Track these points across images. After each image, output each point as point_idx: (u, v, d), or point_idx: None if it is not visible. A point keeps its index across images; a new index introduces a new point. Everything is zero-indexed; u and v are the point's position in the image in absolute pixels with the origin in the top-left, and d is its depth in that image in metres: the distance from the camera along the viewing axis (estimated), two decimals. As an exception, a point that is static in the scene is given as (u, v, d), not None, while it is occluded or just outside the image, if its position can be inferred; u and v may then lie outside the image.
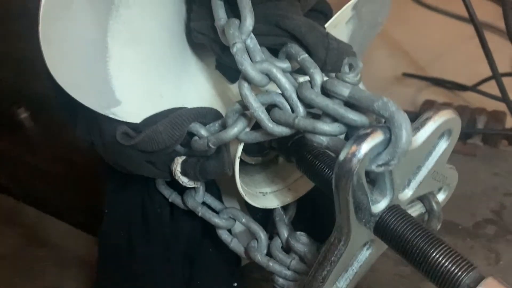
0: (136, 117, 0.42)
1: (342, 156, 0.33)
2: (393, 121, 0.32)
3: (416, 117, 0.94)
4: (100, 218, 0.63)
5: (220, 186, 0.52)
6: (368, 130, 0.32)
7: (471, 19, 0.75)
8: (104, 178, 0.56)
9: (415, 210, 0.43)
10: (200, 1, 0.42)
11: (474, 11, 0.76)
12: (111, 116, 0.40)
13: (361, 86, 0.48)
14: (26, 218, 1.05)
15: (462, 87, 0.96)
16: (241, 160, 0.49)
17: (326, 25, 0.50)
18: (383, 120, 0.34)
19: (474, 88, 0.93)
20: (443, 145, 0.38)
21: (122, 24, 0.39)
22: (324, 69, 0.42)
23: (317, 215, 0.52)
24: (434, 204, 0.43)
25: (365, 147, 0.32)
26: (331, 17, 0.51)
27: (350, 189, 0.33)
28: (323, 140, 0.36)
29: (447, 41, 1.12)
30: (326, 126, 0.35)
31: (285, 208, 0.50)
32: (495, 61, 0.76)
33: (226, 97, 0.47)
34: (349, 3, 0.52)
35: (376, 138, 0.32)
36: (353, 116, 0.35)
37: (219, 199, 0.51)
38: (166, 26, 0.44)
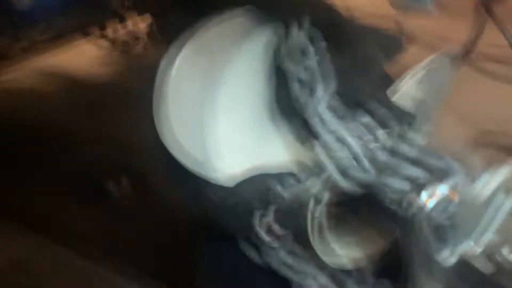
0: (232, 182, 0.48)
1: (410, 211, 0.37)
2: (457, 178, 0.35)
3: None
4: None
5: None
6: (435, 186, 0.36)
7: None
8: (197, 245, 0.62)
9: (485, 266, 0.44)
10: (284, 77, 0.50)
11: None
12: (212, 182, 0.47)
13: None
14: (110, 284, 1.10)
15: None
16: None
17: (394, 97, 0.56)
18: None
19: None
20: (509, 203, 0.40)
21: (229, 96, 0.47)
22: (393, 135, 0.46)
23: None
24: (503, 261, 0.43)
25: (432, 202, 0.36)
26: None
27: (418, 241, 0.37)
28: (392, 197, 0.40)
29: None
30: (396, 183, 0.39)
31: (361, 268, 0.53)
32: None
33: (304, 160, 0.52)
34: (414, 78, 0.57)
35: (441, 194, 0.36)
36: (419, 174, 0.39)
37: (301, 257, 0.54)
38: (258, 99, 0.51)
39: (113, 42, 2.19)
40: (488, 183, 0.38)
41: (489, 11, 0.83)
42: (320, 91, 0.44)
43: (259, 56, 0.50)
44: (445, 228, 0.39)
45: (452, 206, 0.36)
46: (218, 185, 0.47)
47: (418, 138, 0.40)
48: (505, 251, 0.45)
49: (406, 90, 0.58)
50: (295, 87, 0.47)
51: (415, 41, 1.60)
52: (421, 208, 0.36)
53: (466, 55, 0.99)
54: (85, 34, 1.69)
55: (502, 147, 0.99)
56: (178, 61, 0.42)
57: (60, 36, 1.58)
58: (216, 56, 0.46)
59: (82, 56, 2.35)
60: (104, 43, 2.21)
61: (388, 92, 0.56)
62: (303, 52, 0.48)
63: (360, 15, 0.58)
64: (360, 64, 0.51)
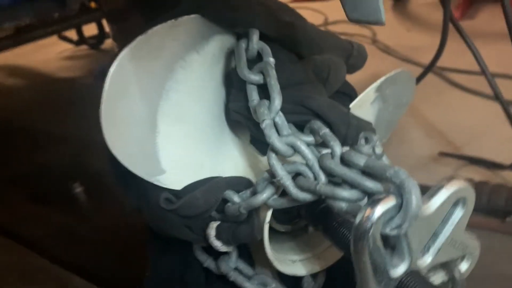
0: (178, 184, 0.47)
1: (358, 219, 0.36)
2: (404, 187, 0.35)
3: None
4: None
5: (253, 254, 0.55)
6: (382, 196, 0.36)
7: (497, 98, 0.79)
8: (147, 247, 0.61)
9: (438, 278, 0.44)
10: (237, 85, 0.49)
11: (500, 92, 0.80)
12: (156, 183, 0.45)
13: (384, 159, 0.52)
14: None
15: (500, 166, 0.97)
16: (271, 228, 0.53)
17: (350, 106, 0.56)
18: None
19: (511, 167, 0.94)
20: (458, 214, 0.41)
21: (171, 105, 0.46)
22: (344, 143, 0.46)
23: (347, 284, 0.53)
24: (456, 272, 0.44)
25: (379, 210, 0.35)
26: (355, 98, 0.57)
27: (367, 250, 0.36)
28: (343, 205, 0.39)
29: (484, 121, 1.14)
30: (345, 193, 0.39)
31: (314, 275, 0.53)
32: None
33: (258, 168, 0.52)
34: (372, 86, 0.57)
35: (388, 203, 0.36)
36: (369, 184, 0.38)
37: (251, 264, 0.54)
38: (208, 108, 0.50)
39: (81, 37, 2.16)
40: (439, 196, 0.38)
41: (455, 25, 0.85)
42: (277, 100, 0.44)
43: (209, 64, 0.49)
44: (398, 243, 0.38)
45: (401, 217, 0.35)
46: (164, 188, 0.46)
47: (374, 148, 0.40)
48: (461, 264, 0.46)
49: (364, 99, 0.58)
50: (253, 94, 0.46)
51: (389, 53, 1.63)
52: (369, 218, 0.35)
53: (431, 66, 1.01)
54: (53, 30, 1.65)
55: (467, 158, 1.01)
56: (118, 61, 0.40)
57: (25, 32, 1.54)
58: (161, 64, 0.45)
59: (48, 53, 2.31)
60: (71, 39, 2.18)
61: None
62: (259, 58, 0.48)
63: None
64: (319, 74, 0.50)
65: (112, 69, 0.41)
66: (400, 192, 0.36)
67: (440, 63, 1.28)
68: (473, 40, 0.89)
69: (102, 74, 0.42)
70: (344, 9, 0.37)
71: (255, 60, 0.49)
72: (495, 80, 0.85)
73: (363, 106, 0.59)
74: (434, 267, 0.43)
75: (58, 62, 2.23)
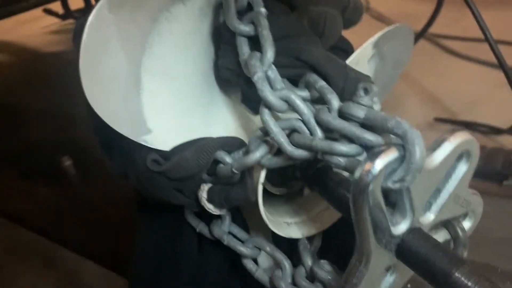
0: (166, 145, 0.44)
1: (357, 173, 0.34)
2: (406, 138, 0.33)
3: None
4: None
5: (246, 218, 0.53)
6: (383, 148, 0.34)
7: (501, 65, 0.76)
8: (135, 215, 0.59)
9: (440, 236, 0.42)
10: (227, 39, 0.46)
11: (504, 58, 0.78)
12: (142, 143, 0.43)
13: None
14: (64, 261, 1.09)
15: (496, 130, 0.95)
16: (266, 191, 0.51)
17: (347, 62, 0.53)
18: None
19: (509, 131, 0.92)
20: (462, 168, 0.38)
21: (155, 59, 0.43)
22: (342, 98, 0.43)
23: (343, 246, 0.52)
24: (459, 230, 0.42)
25: (380, 163, 0.33)
26: (352, 53, 0.54)
27: (367, 207, 0.34)
28: (341, 161, 0.37)
29: (479, 88, 1.13)
30: (343, 147, 0.37)
31: (310, 238, 0.51)
32: None
33: (250, 128, 0.49)
34: (370, 41, 0.54)
35: (390, 155, 0.33)
36: (369, 136, 0.36)
37: (245, 229, 0.52)
38: (196, 63, 0.47)
39: (66, 11, 2.09)
40: (442, 148, 0.36)
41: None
42: (270, 51, 0.41)
43: (196, 17, 0.46)
44: (399, 199, 0.36)
45: (404, 169, 0.33)
46: (151, 148, 0.43)
47: (367, 98, 0.37)
48: (464, 222, 0.44)
49: (361, 55, 0.55)
50: (244, 48, 0.43)
51: (383, 21, 1.60)
52: (369, 171, 0.33)
53: (424, 30, 0.98)
54: (36, 2, 1.60)
55: (463, 123, 0.99)
56: (96, 10, 0.37)
57: (7, 5, 1.49)
58: (144, 15, 0.41)
59: (32, 28, 2.24)
60: (56, 12, 2.11)
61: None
62: (249, 8, 0.45)
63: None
64: (314, 26, 0.47)
65: (90, 19, 0.38)
66: (402, 143, 0.33)
67: (435, 30, 1.26)
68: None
69: (81, 29, 0.39)
70: None
71: (245, 12, 0.45)
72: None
73: (360, 63, 0.56)
74: (436, 225, 0.42)
75: (43, 37, 2.17)
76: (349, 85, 0.43)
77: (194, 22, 0.47)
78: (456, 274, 0.34)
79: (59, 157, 1.23)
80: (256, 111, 0.49)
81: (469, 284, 0.33)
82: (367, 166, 0.33)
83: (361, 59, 0.55)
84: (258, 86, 0.39)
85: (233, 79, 0.47)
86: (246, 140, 0.47)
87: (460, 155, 0.38)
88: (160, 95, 0.44)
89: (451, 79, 1.18)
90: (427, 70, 1.22)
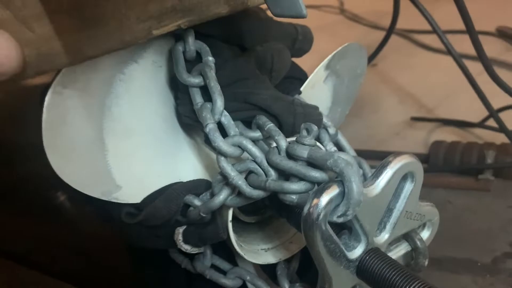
0: (137, 198, 0.48)
1: (305, 210, 0.37)
2: (343, 176, 0.36)
3: (427, 158, 0.96)
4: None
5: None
6: (325, 186, 0.37)
7: (450, 53, 0.79)
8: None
9: (401, 249, 0.45)
10: (183, 88, 0.49)
11: (453, 48, 0.80)
12: (114, 201, 0.46)
13: (340, 137, 0.52)
14: None
15: (470, 124, 0.97)
16: (240, 221, 0.54)
17: (301, 88, 0.56)
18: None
19: (481, 124, 0.94)
20: (409, 187, 0.41)
21: (115, 120, 0.46)
22: (294, 133, 0.47)
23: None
24: (417, 241, 0.45)
25: (323, 200, 0.36)
26: (306, 79, 0.57)
27: (318, 239, 0.37)
28: (293, 198, 0.40)
29: (454, 81, 1.14)
30: (293, 186, 0.40)
31: (289, 260, 0.54)
32: (498, 94, 0.78)
33: (216, 168, 0.52)
34: (320, 65, 0.57)
35: (332, 192, 0.36)
36: (314, 174, 0.39)
37: (229, 258, 0.55)
38: (157, 112, 0.50)
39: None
40: (383, 175, 0.39)
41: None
42: (219, 101, 0.44)
43: (151, 71, 0.49)
44: (349, 224, 0.39)
45: (345, 204, 0.36)
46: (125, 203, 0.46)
47: (309, 138, 0.40)
48: (419, 230, 0.47)
49: (314, 79, 0.58)
50: (196, 98, 0.46)
51: (358, 21, 1.61)
52: (315, 208, 0.36)
53: (391, 27, 1.00)
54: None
55: (439, 120, 1.01)
56: (52, 89, 0.40)
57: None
58: (98, 82, 0.44)
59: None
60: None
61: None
62: (198, 58, 0.48)
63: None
64: (263, 64, 0.50)
65: (47, 99, 0.41)
66: (341, 180, 0.36)
67: (406, 25, 1.27)
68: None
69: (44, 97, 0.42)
70: (268, 7, 0.37)
71: (196, 60, 0.48)
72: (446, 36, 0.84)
73: (316, 86, 0.59)
74: (396, 240, 0.45)
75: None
76: (298, 121, 0.46)
77: (149, 76, 0.50)
78: (410, 291, 0.37)
79: (53, 192, 1.24)
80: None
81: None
82: (314, 202, 0.36)
83: (316, 82, 0.58)
84: (210, 137, 0.42)
85: (193, 124, 0.50)
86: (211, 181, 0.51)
87: (404, 176, 0.41)
88: (125, 153, 0.47)
89: (426, 73, 1.19)
90: (403, 66, 1.24)
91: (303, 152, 0.39)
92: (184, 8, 0.40)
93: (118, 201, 0.46)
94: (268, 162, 0.42)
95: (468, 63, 0.88)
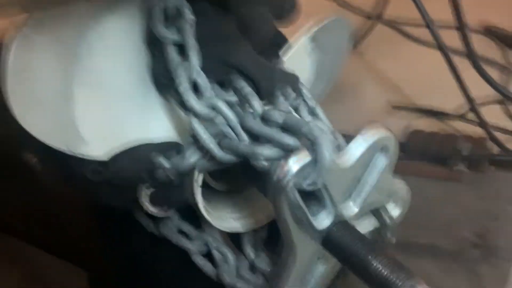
0: (104, 155, 0.46)
1: (274, 176, 0.36)
2: (316, 142, 0.35)
3: (404, 146, 0.96)
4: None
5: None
6: (296, 152, 0.36)
7: (439, 46, 0.78)
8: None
9: (369, 225, 0.45)
10: (159, 45, 0.47)
11: (442, 40, 0.79)
12: (79, 156, 0.44)
13: (318, 111, 0.51)
14: (29, 259, 1.09)
15: (448, 116, 0.98)
16: (211, 188, 0.53)
17: (286, 59, 0.54)
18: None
19: (457, 116, 0.95)
20: (382, 161, 0.41)
21: (86, 72, 0.44)
22: (270, 101, 0.45)
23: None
24: (386, 218, 0.45)
25: (293, 166, 0.35)
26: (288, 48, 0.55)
27: (286, 207, 0.36)
28: (265, 164, 0.39)
29: (436, 72, 1.14)
30: (265, 150, 0.39)
31: (257, 230, 0.53)
32: (483, 87, 0.78)
33: (187, 130, 0.51)
34: (306, 36, 0.56)
35: (303, 159, 0.36)
36: (287, 140, 0.38)
37: (196, 224, 0.54)
38: (130, 68, 0.48)
39: None
40: (357, 146, 0.38)
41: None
42: (195, 59, 0.42)
43: (126, 24, 0.46)
44: (318, 193, 0.39)
45: (316, 171, 0.35)
46: (90, 160, 0.45)
47: (286, 104, 0.39)
48: (389, 206, 0.47)
49: (300, 49, 0.57)
50: (171, 55, 0.44)
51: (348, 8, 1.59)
52: (285, 174, 0.35)
53: (379, 16, 0.99)
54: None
55: (419, 110, 1.01)
56: (19, 32, 0.38)
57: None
58: (70, 29, 0.42)
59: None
60: None
61: (281, 51, 0.55)
62: (178, 15, 0.45)
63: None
64: (244, 28, 0.49)
65: (14, 42, 0.38)
66: (313, 147, 0.36)
67: (393, 14, 1.26)
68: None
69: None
70: None
71: (175, 18, 0.46)
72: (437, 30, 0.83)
73: (301, 58, 0.58)
74: (364, 214, 0.44)
75: None
76: (277, 88, 0.45)
77: (124, 28, 0.47)
78: (374, 264, 0.37)
79: (23, 154, 1.20)
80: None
81: (385, 273, 0.36)
82: (284, 168, 0.36)
83: (301, 54, 0.57)
84: (184, 97, 0.41)
85: (167, 84, 0.48)
86: (183, 141, 0.49)
87: (379, 149, 0.40)
88: (93, 106, 0.45)
89: (411, 65, 1.19)
90: (387, 56, 1.23)
91: (279, 118, 0.38)
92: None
93: (84, 157, 0.45)
94: (242, 126, 0.40)
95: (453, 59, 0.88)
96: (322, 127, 0.37)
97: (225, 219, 0.52)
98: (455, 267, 0.69)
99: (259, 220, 0.53)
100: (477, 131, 0.87)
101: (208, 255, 0.52)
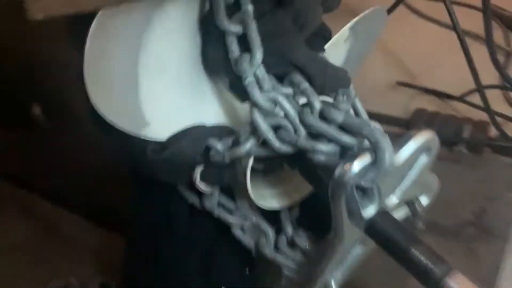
0: (162, 135, 0.49)
1: (336, 173, 0.40)
2: (378, 146, 0.39)
3: (408, 123, 1.00)
4: (109, 211, 0.67)
5: (234, 190, 0.59)
6: (358, 153, 0.40)
7: (454, 28, 0.81)
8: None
9: (402, 213, 0.50)
10: (215, 33, 0.49)
11: (458, 21, 0.82)
12: (142, 137, 0.47)
13: (357, 101, 0.55)
14: (40, 210, 1.10)
15: (451, 97, 1.01)
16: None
17: (326, 46, 0.57)
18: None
19: (461, 99, 0.98)
20: (423, 160, 0.45)
21: (150, 57, 0.46)
22: (322, 93, 0.48)
23: (319, 215, 0.59)
24: (417, 207, 0.50)
25: (355, 166, 0.39)
26: (329, 39, 0.58)
27: (343, 200, 0.41)
28: (322, 158, 0.43)
29: (441, 50, 1.15)
30: (323, 146, 0.42)
31: (289, 209, 0.58)
32: (485, 71, 0.82)
33: (237, 115, 0.54)
34: (346, 26, 0.58)
35: (364, 160, 0.39)
36: (346, 139, 0.42)
37: (233, 200, 0.58)
38: (185, 55, 0.50)
39: None
40: (407, 148, 0.42)
41: None
42: (259, 54, 0.44)
43: (184, 7, 0.48)
44: (369, 189, 0.43)
45: (374, 171, 0.39)
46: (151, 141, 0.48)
47: (346, 104, 0.42)
48: (422, 199, 0.51)
49: (339, 38, 0.59)
50: (233, 46, 0.46)
51: None
52: (348, 173, 0.39)
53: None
54: None
55: (422, 89, 1.04)
56: (96, 20, 0.39)
57: None
58: (139, 15, 0.44)
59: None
60: None
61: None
62: (237, 5, 0.47)
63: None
64: (298, 21, 0.51)
65: (91, 29, 0.40)
66: (374, 149, 0.39)
67: None
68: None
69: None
70: None
71: (232, 8, 0.48)
72: (453, 7, 0.85)
73: (338, 44, 0.60)
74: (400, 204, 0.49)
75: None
76: (329, 82, 0.48)
77: (182, 12, 0.49)
78: (413, 251, 0.42)
79: (28, 104, 1.16)
80: (242, 98, 0.53)
81: (423, 260, 0.41)
82: (346, 167, 0.40)
83: (338, 41, 0.60)
84: (248, 90, 0.44)
85: (221, 70, 0.50)
86: (234, 123, 0.53)
87: (424, 149, 0.44)
88: (155, 90, 0.47)
89: (415, 39, 1.21)
90: (392, 29, 1.25)
91: (338, 116, 0.42)
92: None
93: (146, 138, 0.47)
94: (300, 120, 0.44)
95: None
96: (380, 128, 0.41)
97: (263, 197, 0.56)
98: (454, 243, 0.76)
99: (293, 198, 0.57)
100: (478, 114, 0.91)
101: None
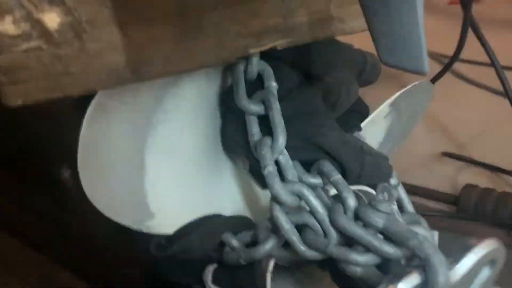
0: (170, 228, 0.42)
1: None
2: (429, 264, 0.30)
3: (456, 200, 0.89)
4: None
5: None
6: (405, 271, 0.31)
7: (506, 94, 0.73)
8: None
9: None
10: (235, 111, 0.43)
11: (510, 87, 0.74)
12: (145, 230, 0.40)
13: (400, 188, 0.47)
14: (60, 279, 1.05)
15: (504, 171, 0.91)
16: None
17: (363, 124, 0.50)
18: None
19: None
20: (487, 274, 0.36)
21: (160, 140, 0.40)
22: (359, 183, 0.41)
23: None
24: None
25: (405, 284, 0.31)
26: (367, 116, 0.51)
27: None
28: (357, 270, 0.35)
29: (489, 118, 1.07)
30: (359, 257, 0.34)
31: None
32: None
33: (258, 203, 0.47)
34: (387, 101, 0.51)
35: (412, 280, 0.31)
36: (388, 250, 0.33)
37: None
38: (202, 133, 0.45)
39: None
40: (465, 262, 0.33)
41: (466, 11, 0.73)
42: (281, 138, 0.38)
43: (203, 85, 0.43)
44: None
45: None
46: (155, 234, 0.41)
47: (387, 204, 0.34)
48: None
49: (378, 115, 0.52)
50: (253, 128, 0.40)
51: None
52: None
53: (451, 61, 0.93)
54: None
55: (471, 161, 0.95)
56: (96, 100, 0.34)
57: None
58: (149, 95, 0.39)
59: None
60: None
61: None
62: (259, 83, 0.41)
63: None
64: (329, 99, 0.44)
65: (88, 111, 0.35)
66: (424, 267, 0.31)
67: (444, 51, 1.19)
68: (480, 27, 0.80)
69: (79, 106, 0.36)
70: (377, 51, 0.30)
71: (255, 83, 0.42)
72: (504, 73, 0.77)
73: (376, 121, 0.53)
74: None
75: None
76: (366, 171, 0.40)
77: (200, 90, 0.44)
78: None
79: (57, 166, 1.16)
80: (263, 185, 0.46)
81: None
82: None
83: (378, 118, 0.53)
84: (268, 181, 0.37)
85: (240, 151, 0.44)
86: (253, 214, 0.45)
87: (487, 262, 0.35)
88: (163, 175, 0.41)
89: (461, 106, 1.13)
90: (438, 96, 1.18)
91: (378, 221, 0.34)
92: (286, 28, 0.37)
93: (149, 231, 0.41)
94: (330, 221, 0.36)
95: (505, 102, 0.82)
96: (427, 235, 0.33)
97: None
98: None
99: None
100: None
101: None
